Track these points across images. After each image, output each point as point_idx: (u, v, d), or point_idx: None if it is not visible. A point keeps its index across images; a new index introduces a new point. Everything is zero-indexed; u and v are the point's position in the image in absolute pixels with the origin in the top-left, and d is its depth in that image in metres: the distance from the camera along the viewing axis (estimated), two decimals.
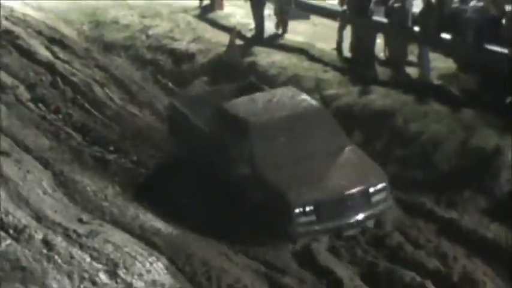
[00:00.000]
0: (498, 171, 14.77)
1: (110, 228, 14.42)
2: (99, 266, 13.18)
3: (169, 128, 17.36)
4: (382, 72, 18.46)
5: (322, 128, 14.88)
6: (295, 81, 18.79)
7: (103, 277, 12.94)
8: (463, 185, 14.85)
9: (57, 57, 21.74)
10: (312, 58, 19.62)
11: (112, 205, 15.51)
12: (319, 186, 13.92)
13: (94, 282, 12.76)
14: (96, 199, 15.72)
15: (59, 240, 13.66)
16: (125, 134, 18.26)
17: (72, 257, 13.26)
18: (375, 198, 13.94)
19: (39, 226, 14.09)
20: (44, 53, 21.87)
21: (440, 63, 17.95)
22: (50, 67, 21.03)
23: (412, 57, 18.54)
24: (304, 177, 14.07)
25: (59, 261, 13.12)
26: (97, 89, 20.18)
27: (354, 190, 13.86)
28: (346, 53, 19.55)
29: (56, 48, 22.21)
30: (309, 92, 18.23)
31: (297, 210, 13.57)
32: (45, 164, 16.78)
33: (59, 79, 20.53)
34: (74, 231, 14.04)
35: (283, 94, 15.69)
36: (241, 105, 15.44)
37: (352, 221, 13.84)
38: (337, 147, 14.70)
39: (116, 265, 13.20)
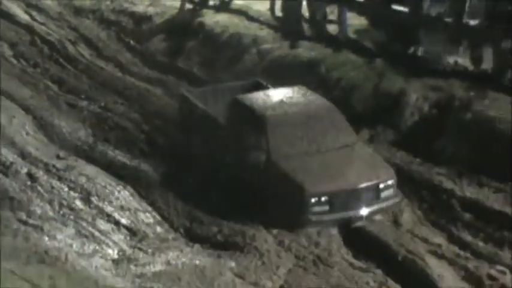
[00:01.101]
0: (403, 109, 14.95)
1: (83, 163, 14.46)
2: (75, 194, 13.26)
3: (181, 118, 15.43)
4: (308, 29, 18.50)
5: (332, 124, 13.39)
6: (236, 37, 18.76)
7: (79, 203, 13.02)
8: (376, 122, 15.02)
9: (35, 20, 21.48)
10: (250, 18, 19.54)
11: (84, 144, 15.53)
12: (334, 178, 12.55)
13: (71, 208, 12.84)
14: (71, 139, 15.73)
15: (41, 174, 13.69)
16: (94, 84, 18.21)
17: (52, 188, 13.31)
18: (384, 194, 12.57)
19: (24, 162, 14.10)
20: (23, 16, 21.58)
21: (355, 21, 18.02)
22: (28, 28, 20.79)
23: (332, 16, 18.59)
24: (318, 169, 12.70)
25: (42, 191, 13.17)
26: (69, 46, 20.02)
27: (366, 184, 12.47)
28: (278, 13, 19.53)
29: (33, 12, 21.91)
30: (248, 46, 18.34)
31: (312, 200, 12.24)
32: (27, 110, 16.71)
33: (37, 38, 20.32)
34: (53, 166, 14.07)
35: (295, 91, 14.05)
36: (258, 99, 13.82)
37: (362, 213, 12.41)
38: (347, 142, 13.27)
39: (89, 193, 13.28)
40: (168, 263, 11.50)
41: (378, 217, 12.52)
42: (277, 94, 14.00)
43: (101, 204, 13.04)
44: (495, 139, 13.55)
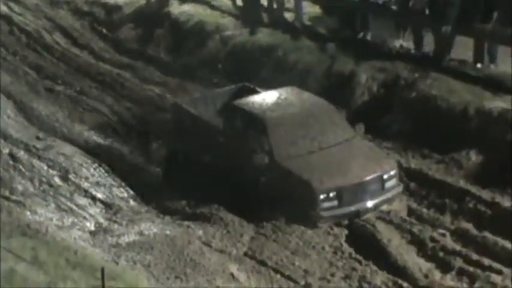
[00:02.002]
0: (354, 89, 14.99)
1: (61, 143, 14.42)
2: (54, 172, 13.23)
3: (175, 126, 14.22)
4: (266, 16, 18.45)
5: (330, 121, 12.67)
6: (200, 25, 18.66)
7: (57, 180, 13.00)
8: (329, 100, 14.88)
9: (13, 11, 21.19)
10: (212, 7, 19.38)
11: (62, 125, 15.46)
12: (340, 173, 11.86)
13: (51, 185, 12.82)
14: (49, 121, 15.68)
15: (21, 154, 13.64)
16: (70, 70, 18.08)
17: (32, 166, 13.26)
18: (388, 184, 11.95)
19: (6, 143, 14.01)
20: (2, 8, 21.28)
21: (310, 9, 17.98)
22: (7, 19, 20.53)
23: (289, 5, 18.52)
24: (323, 165, 11.98)
25: (23, 169, 13.12)
26: (46, 35, 19.81)
27: (371, 177, 11.82)
28: (239, 2, 19.43)
29: (11, 4, 21.61)
30: (211, 33, 18.26)
31: (321, 196, 11.59)
32: (8, 95, 16.57)
33: (15, 28, 20.08)
34: (33, 146, 14.01)
35: (288, 92, 13.25)
36: (255, 103, 12.97)
37: (369, 205, 11.81)
38: (345, 138, 12.53)
39: (67, 171, 13.26)
40: (141, 233, 11.52)
41: (383, 208, 11.93)
42: (272, 96, 13.14)
43: (78, 181, 13.03)
44: (437, 115, 13.71)
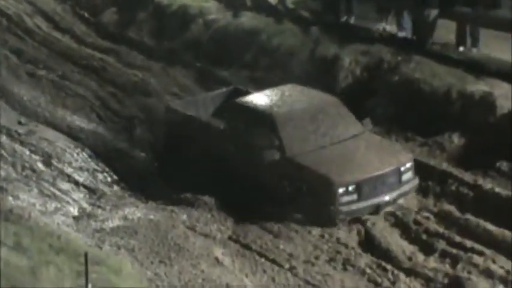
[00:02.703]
0: (337, 72, 14.98)
1: (44, 128, 14.37)
2: (37, 157, 13.18)
3: (168, 129, 13.69)
4: (249, 0, 18.33)
5: (338, 116, 12.39)
6: (183, 9, 18.52)
7: (40, 165, 12.95)
8: (313, 83, 14.86)
9: None
10: None
11: (44, 110, 15.38)
12: (358, 166, 11.56)
13: (33, 170, 12.77)
14: (32, 106, 15.59)
15: (3, 139, 13.57)
16: (52, 54, 17.94)
17: (15, 151, 13.20)
18: (404, 177, 11.70)
19: None
20: None
21: None
22: None
23: None
24: (338, 159, 11.70)
25: (5, 154, 13.05)
26: (27, 19, 19.63)
27: (389, 169, 11.55)
28: None
29: None
30: (194, 17, 18.15)
31: (340, 190, 11.26)
32: None
33: None
34: (15, 131, 13.96)
35: (291, 89, 12.95)
36: (259, 100, 12.58)
37: (388, 198, 11.50)
38: (355, 132, 12.26)
39: (50, 156, 13.21)
40: (125, 218, 11.51)
41: (400, 201, 11.71)
42: (274, 93, 12.81)
43: (61, 166, 12.99)
44: (420, 99, 13.76)
